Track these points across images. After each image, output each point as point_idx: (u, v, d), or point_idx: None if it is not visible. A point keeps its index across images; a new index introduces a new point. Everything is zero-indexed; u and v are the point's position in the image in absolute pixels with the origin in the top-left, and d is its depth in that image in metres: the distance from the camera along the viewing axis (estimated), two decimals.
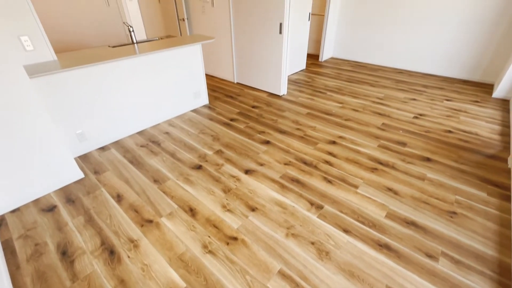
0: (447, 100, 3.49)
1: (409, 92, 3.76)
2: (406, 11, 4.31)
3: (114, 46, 2.86)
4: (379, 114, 3.16)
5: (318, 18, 5.33)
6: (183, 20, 4.23)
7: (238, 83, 4.17)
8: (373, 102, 3.48)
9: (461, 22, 3.89)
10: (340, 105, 3.42)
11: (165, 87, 2.88)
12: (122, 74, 2.46)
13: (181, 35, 4.47)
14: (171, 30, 4.62)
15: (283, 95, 3.73)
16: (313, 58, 5.48)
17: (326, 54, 5.29)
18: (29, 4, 1.88)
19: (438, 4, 3.98)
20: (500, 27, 3.64)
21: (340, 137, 2.70)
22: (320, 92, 3.83)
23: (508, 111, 3.17)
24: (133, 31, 2.82)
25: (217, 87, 4.03)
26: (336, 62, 5.22)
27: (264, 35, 3.39)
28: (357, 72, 4.61)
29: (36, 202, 1.93)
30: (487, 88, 3.85)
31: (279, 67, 3.46)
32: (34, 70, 1.87)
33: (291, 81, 4.25)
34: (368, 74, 4.50)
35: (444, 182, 2.07)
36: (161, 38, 3.23)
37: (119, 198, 1.95)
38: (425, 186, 2.03)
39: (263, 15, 3.27)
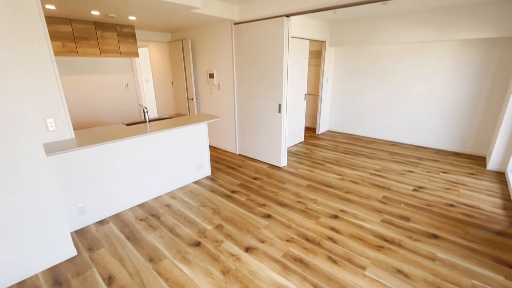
0: (444, 172, 3.58)
1: (405, 164, 3.89)
2: (393, 90, 4.84)
3: (128, 124, 3.13)
4: (379, 186, 3.20)
5: (313, 97, 5.95)
6: (192, 99, 4.74)
7: (240, 155, 4.36)
8: (371, 174, 3.57)
9: (446, 99, 4.33)
10: (339, 176, 3.49)
11: (170, 161, 3.03)
12: (132, 150, 2.63)
13: (189, 113, 4.92)
14: (181, 108, 5.11)
15: (284, 166, 3.86)
16: (310, 131, 5.86)
17: (322, 127, 5.69)
18: (60, 91, 2.18)
19: (422, 85, 4.51)
20: (481, 103, 4.03)
21: (342, 210, 2.67)
22: (319, 163, 3.96)
23: (505, 184, 3.21)
24: (147, 111, 3.15)
25: (219, 159, 4.20)
26: (332, 134, 5.57)
27: (265, 114, 3.75)
28: (353, 144, 4.86)
29: (21, 284, 1.79)
30: (480, 160, 3.99)
31: (279, 141, 3.70)
32: (51, 148, 2.02)
33: (291, 153, 4.45)
34: (364, 146, 4.74)
35: (456, 263, 1.95)
36: (171, 116, 3.56)
37: (110, 280, 1.82)
38: (437, 267, 1.91)
39: (263, 97, 3.69)
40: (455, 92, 4.19)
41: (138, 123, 3.26)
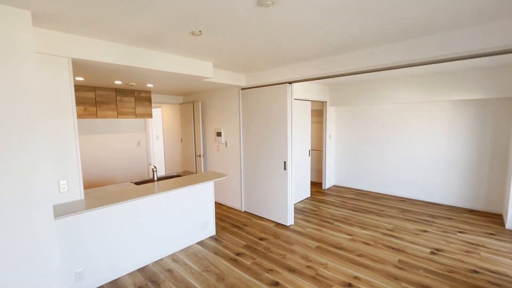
0: (460, 232, 3.39)
1: (417, 222, 3.73)
2: (395, 146, 4.94)
3: (137, 183, 3.19)
4: (393, 248, 3.01)
5: (318, 152, 6.08)
6: (200, 156, 4.88)
7: (245, 212, 4.26)
8: (383, 234, 3.40)
9: (449, 155, 4.38)
10: (350, 237, 3.33)
11: (175, 220, 2.97)
12: (138, 211, 2.62)
13: (196, 169, 5.02)
14: (189, 164, 5.23)
15: (291, 225, 3.72)
16: (316, 185, 5.81)
17: (328, 182, 5.66)
18: (78, 154, 2.30)
19: (424, 141, 4.62)
20: (485, 158, 4.04)
21: (356, 277, 2.47)
22: (328, 222, 3.82)
23: None
24: (156, 170, 3.24)
25: (225, 216, 4.10)
26: (339, 190, 5.49)
27: (271, 171, 3.80)
28: (361, 201, 4.75)
29: None
30: (496, 218, 3.81)
31: (285, 199, 3.66)
32: (60, 211, 2.05)
33: (297, 210, 4.34)
34: (372, 203, 4.61)
35: None
36: (178, 174, 3.63)
37: None
38: None
39: (269, 154, 3.80)
40: (456, 148, 4.26)
41: (146, 182, 3.32)
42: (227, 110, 4.37)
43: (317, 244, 3.16)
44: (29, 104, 1.68)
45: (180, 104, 5.34)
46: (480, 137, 4.07)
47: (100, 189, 2.86)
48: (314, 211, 4.30)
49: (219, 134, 4.56)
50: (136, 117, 4.40)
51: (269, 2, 1.58)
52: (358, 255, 2.88)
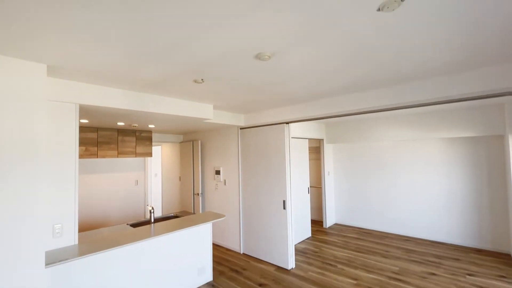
0: (469, 275, 3.24)
1: (424, 264, 3.57)
2: (394, 183, 4.94)
3: (133, 225, 3.11)
4: None
5: (317, 189, 6.04)
6: (198, 194, 4.83)
7: (244, 254, 4.08)
8: (390, 278, 3.23)
9: (448, 193, 4.36)
10: (355, 281, 3.15)
11: (170, 266, 2.83)
12: (133, 257, 2.52)
13: (194, 209, 4.92)
14: (186, 202, 5.14)
15: (292, 268, 3.54)
16: (317, 224, 5.65)
17: (329, 220, 5.52)
18: (75, 198, 2.29)
19: (421, 179, 4.64)
20: (485, 196, 4.02)
21: None
22: (330, 264, 3.65)
23: None
24: (153, 212, 3.18)
25: (222, 259, 3.91)
26: (340, 228, 5.33)
27: (270, 210, 3.74)
28: (364, 240, 4.59)
29: None
30: (505, 258, 3.67)
31: (285, 240, 3.54)
32: (52, 258, 1.97)
33: (298, 251, 4.16)
34: (376, 243, 4.46)
35: None
36: (176, 215, 3.55)
37: None
38: None
39: (268, 193, 3.77)
40: (455, 185, 4.28)
41: (143, 224, 3.24)
42: (226, 149, 4.45)
43: None
44: (35, 150, 1.73)
45: (180, 142, 5.44)
46: (476, 174, 4.11)
47: (94, 232, 2.77)
48: (316, 252, 4.12)
49: (218, 172, 4.58)
50: (136, 156, 4.45)
51: (266, 56, 1.74)
52: None
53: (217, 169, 4.60)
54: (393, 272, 3.36)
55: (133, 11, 1.20)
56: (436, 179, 4.46)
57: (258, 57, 1.75)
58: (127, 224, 3.13)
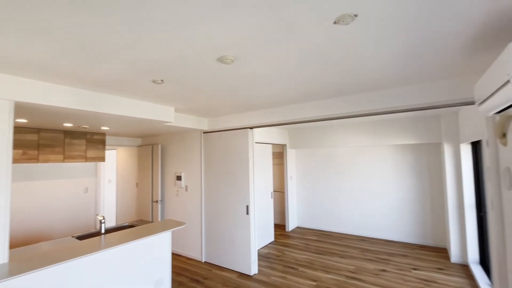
0: (414, 269, 3.56)
1: (377, 262, 3.83)
2: (351, 187, 5.25)
3: (79, 237, 2.80)
4: None
5: (280, 193, 6.14)
6: (157, 201, 4.56)
7: (206, 263, 3.94)
8: (347, 277, 3.39)
9: (398, 195, 4.77)
10: (315, 283, 3.24)
11: (122, 280, 2.60)
12: (78, 274, 2.25)
13: (152, 216, 4.63)
14: (144, 210, 4.81)
15: (254, 274, 3.52)
16: (280, 228, 5.73)
17: (291, 224, 5.64)
18: (7, 207, 1.97)
19: (375, 182, 5.00)
20: (427, 197, 4.49)
21: None
22: (292, 268, 3.71)
23: (472, 278, 3.25)
24: (104, 222, 2.90)
25: (182, 269, 3.72)
26: (302, 231, 5.48)
27: (233, 216, 3.69)
28: (323, 242, 4.77)
29: None
30: (442, 252, 4.12)
31: (248, 246, 3.51)
32: None
33: (261, 256, 4.16)
34: (335, 244, 4.67)
35: None
36: (131, 224, 3.30)
37: None
38: None
39: (231, 199, 3.72)
40: (403, 188, 4.71)
41: (92, 236, 2.93)
42: (189, 153, 4.30)
43: None
44: None
45: (138, 146, 5.10)
46: (419, 178, 4.59)
47: (31, 247, 2.42)
48: (279, 256, 4.16)
49: (179, 178, 4.39)
50: (86, 161, 4.04)
51: (228, 60, 1.72)
52: None
53: (178, 175, 4.40)
54: (350, 271, 3.54)
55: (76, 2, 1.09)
56: (388, 183, 4.86)
57: (221, 60, 1.72)
58: (73, 237, 2.80)
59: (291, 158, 5.83)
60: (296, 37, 1.45)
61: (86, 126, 3.50)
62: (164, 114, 3.09)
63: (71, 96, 2.27)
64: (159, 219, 4.52)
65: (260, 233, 4.62)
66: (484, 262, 3.37)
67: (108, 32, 1.34)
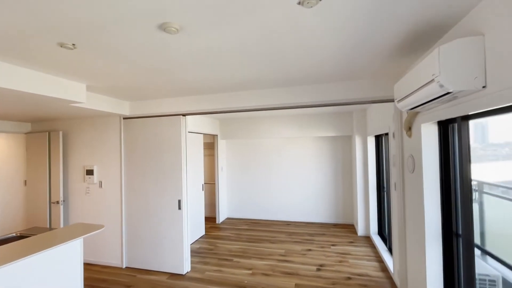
0: (333, 245, 4.07)
1: (302, 243, 4.19)
2: (278, 176, 5.55)
3: None
4: (289, 273, 3.19)
5: (211, 185, 5.95)
6: (58, 202, 3.65)
7: (128, 268, 3.43)
8: (279, 260, 3.58)
9: (318, 181, 5.32)
10: (250, 271, 3.28)
11: None
12: None
13: (51, 222, 3.68)
14: (37, 216, 3.77)
15: (187, 272, 3.28)
16: (210, 221, 5.57)
17: (222, 215, 5.57)
18: None
19: (299, 170, 5.43)
20: (340, 183, 5.19)
21: None
22: (226, 260, 3.65)
23: (374, 246, 3.97)
24: None
25: (98, 280, 3.12)
26: (232, 222, 5.49)
27: (163, 212, 3.31)
28: (254, 230, 4.91)
29: None
30: (351, 228, 4.88)
31: (181, 244, 3.23)
32: None
33: (193, 252, 3.93)
34: (264, 231, 4.87)
35: None
36: (21, 235, 2.51)
37: None
38: None
39: (160, 194, 3.32)
40: (322, 175, 5.30)
41: None
42: (103, 143, 3.59)
43: None
44: None
45: (26, 133, 3.94)
46: (335, 166, 5.26)
47: None
48: (211, 250, 4.03)
49: (90, 172, 3.62)
50: None
51: (173, 29, 1.44)
52: None
53: (89, 168, 3.63)
54: (281, 255, 3.76)
55: None
56: (310, 171, 5.38)
57: (163, 28, 1.43)
58: None
59: (222, 148, 5.70)
60: (258, 13, 1.32)
61: None
62: (72, 92, 2.43)
63: None
64: (62, 225, 3.64)
65: (191, 228, 4.35)
66: (381, 233, 4.17)
67: None
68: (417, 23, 1.46)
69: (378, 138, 4.26)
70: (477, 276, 1.81)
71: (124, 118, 3.51)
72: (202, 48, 1.74)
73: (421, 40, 1.69)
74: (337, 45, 1.75)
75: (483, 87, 1.25)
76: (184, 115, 3.30)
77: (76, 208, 3.72)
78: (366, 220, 4.44)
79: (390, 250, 3.60)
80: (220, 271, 3.32)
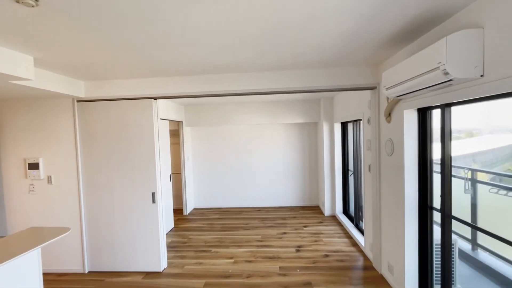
0: (305, 226, 4.28)
1: (276, 227, 4.30)
2: (246, 162, 5.50)
3: None
4: (270, 258, 3.24)
5: (177, 176, 5.58)
6: None
7: (92, 273, 3.02)
8: (257, 246, 3.60)
9: (287, 166, 5.46)
10: (232, 260, 3.23)
11: None
12: None
13: None
14: None
15: (164, 269, 3.06)
16: (177, 213, 5.26)
17: (189, 206, 5.32)
18: None
19: (268, 156, 5.47)
20: (307, 167, 5.43)
21: None
22: (204, 251, 3.52)
23: (341, 224, 4.30)
24: None
25: None
26: (201, 212, 5.30)
27: (134, 207, 2.97)
28: (226, 219, 4.83)
29: None
30: (318, 209, 5.20)
31: (156, 239, 2.97)
32: None
33: (167, 247, 3.66)
34: (236, 218, 4.83)
35: None
36: None
37: None
38: None
39: (131, 187, 2.96)
40: (290, 160, 5.46)
41: None
42: (51, 131, 3.00)
43: (203, 281, 2.79)
44: None
45: None
46: (302, 151, 5.45)
47: None
48: (185, 242, 3.82)
49: (34, 166, 3.01)
50: None
51: None
52: (247, 277, 2.82)
53: (32, 162, 3.01)
54: (258, 241, 3.78)
55: None
56: (279, 157, 5.47)
57: None
58: None
59: (187, 136, 5.37)
60: None
61: None
62: (15, 65, 1.91)
63: None
64: None
65: None
66: (346, 211, 4.54)
67: None
68: (415, 16, 1.53)
69: (344, 125, 4.54)
70: (435, 242, 2.15)
71: (78, 101, 2.96)
72: (190, 19, 1.51)
73: (416, 29, 1.79)
74: (338, 32, 1.73)
75: (481, 75, 1.38)
76: (155, 98, 2.95)
77: (16, 211, 3.07)
78: (332, 201, 4.77)
79: (357, 226, 3.96)
80: (200, 263, 3.18)
